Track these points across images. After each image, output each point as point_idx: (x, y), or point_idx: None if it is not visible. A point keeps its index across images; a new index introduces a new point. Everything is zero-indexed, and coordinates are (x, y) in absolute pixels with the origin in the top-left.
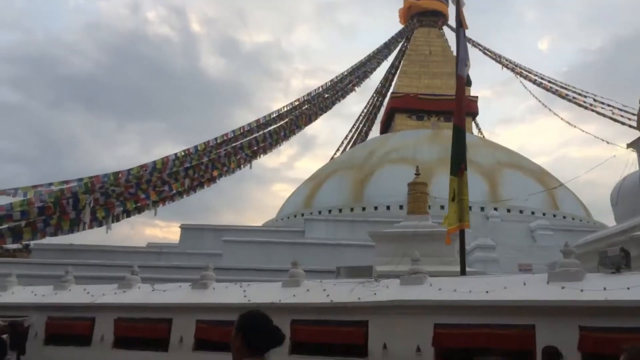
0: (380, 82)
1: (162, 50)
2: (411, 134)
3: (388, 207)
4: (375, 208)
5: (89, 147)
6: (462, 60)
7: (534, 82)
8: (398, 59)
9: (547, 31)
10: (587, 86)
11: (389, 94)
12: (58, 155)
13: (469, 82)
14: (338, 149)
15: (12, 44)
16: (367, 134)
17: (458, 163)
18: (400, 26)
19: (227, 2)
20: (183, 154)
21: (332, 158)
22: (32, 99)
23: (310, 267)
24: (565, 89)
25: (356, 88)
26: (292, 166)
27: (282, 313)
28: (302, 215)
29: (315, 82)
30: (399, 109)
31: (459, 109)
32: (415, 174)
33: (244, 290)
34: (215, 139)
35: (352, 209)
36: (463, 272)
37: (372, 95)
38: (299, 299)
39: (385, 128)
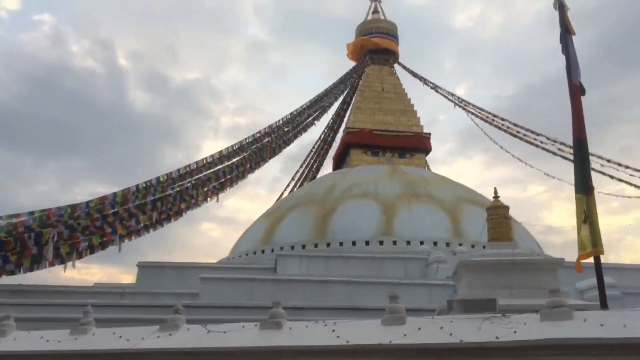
0: (332, 118)
1: (86, 83)
2: (370, 170)
3: (354, 243)
4: (341, 244)
5: (2, 184)
6: (574, 67)
7: (486, 120)
8: (349, 95)
9: (464, 79)
10: (501, 131)
11: (341, 130)
12: None
13: (583, 91)
14: (288, 185)
15: None
16: (318, 170)
17: (585, 180)
18: (335, 64)
19: (156, 37)
20: (144, 185)
21: (281, 195)
22: None
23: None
24: (516, 125)
25: (316, 122)
26: (220, 205)
27: (390, 356)
28: (263, 252)
29: (245, 121)
30: (354, 144)
31: (578, 119)
32: (494, 196)
33: (333, 330)
34: (178, 170)
35: (316, 245)
36: (604, 306)
37: (324, 131)
38: (411, 339)
39: (339, 163)
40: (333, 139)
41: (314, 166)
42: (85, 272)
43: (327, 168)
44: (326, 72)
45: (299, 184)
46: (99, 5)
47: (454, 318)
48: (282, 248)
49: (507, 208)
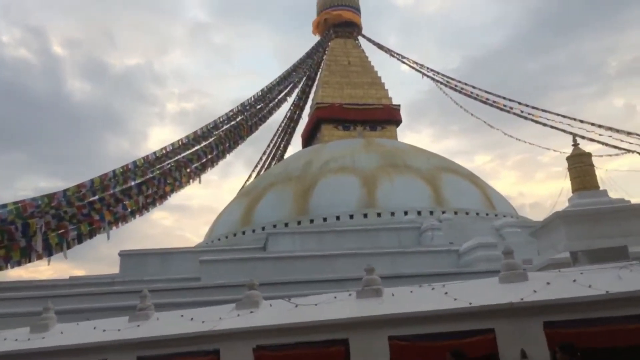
0: (297, 95)
1: (19, 74)
2: (344, 144)
3: (338, 218)
4: (324, 219)
5: None
6: None
7: (455, 89)
8: (313, 70)
9: (408, 54)
10: (448, 103)
11: (307, 106)
12: None
13: None
14: (257, 165)
15: None
16: (285, 148)
17: None
18: (279, 44)
19: (92, 22)
20: (121, 170)
21: (251, 176)
22: None
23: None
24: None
25: (287, 98)
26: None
27: (530, 314)
28: (243, 233)
29: (192, 105)
30: (324, 119)
31: None
32: (574, 144)
33: (446, 293)
34: (154, 153)
35: (299, 222)
36: None
37: (289, 109)
38: (547, 294)
39: (309, 140)
40: (299, 116)
41: (281, 145)
42: (32, 269)
43: (294, 146)
44: (271, 52)
45: (267, 163)
46: None
47: (584, 269)
48: (263, 228)
49: (589, 155)
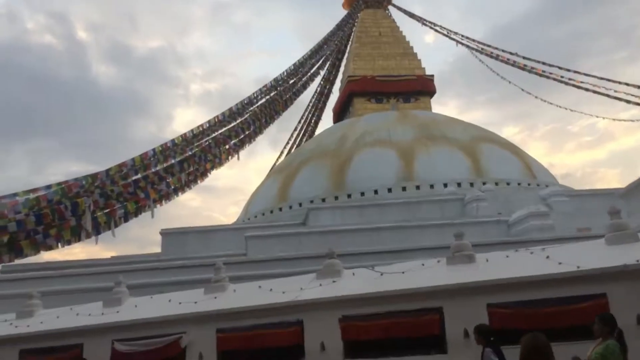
0: (327, 69)
1: (46, 61)
2: (379, 117)
3: (376, 192)
4: (362, 194)
5: None
6: None
7: (491, 56)
8: (343, 43)
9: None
10: (474, 74)
11: (337, 80)
12: None
13: None
14: (288, 142)
15: None
16: (317, 124)
17: None
18: (299, 20)
19: (113, 6)
20: (161, 148)
21: (282, 153)
22: None
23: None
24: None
25: (321, 71)
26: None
27: None
28: (280, 209)
29: (215, 86)
30: (357, 92)
31: None
32: None
33: (547, 257)
34: (192, 130)
35: (336, 197)
36: None
37: (320, 83)
38: None
39: (341, 114)
40: (330, 90)
41: (312, 121)
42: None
43: (325, 121)
44: (291, 29)
45: (298, 140)
46: None
47: None
48: (300, 204)
49: None
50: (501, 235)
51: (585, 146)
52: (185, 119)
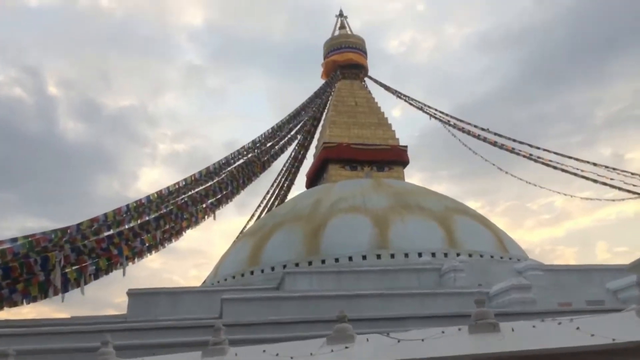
0: (302, 135)
1: (14, 112)
2: (354, 183)
3: (350, 258)
4: (336, 260)
5: None
6: None
7: (463, 130)
8: (319, 111)
9: (398, 101)
10: (438, 149)
11: (312, 146)
12: None
13: None
14: (259, 205)
15: None
16: (289, 188)
17: None
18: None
19: (88, 64)
20: (135, 205)
21: (253, 216)
22: None
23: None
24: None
25: (298, 135)
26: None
27: None
28: (252, 273)
29: (183, 147)
30: (332, 159)
31: None
32: None
33: (577, 328)
34: (168, 188)
35: (310, 262)
36: None
37: (294, 149)
38: None
39: (314, 180)
40: (304, 155)
41: (285, 185)
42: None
43: (298, 186)
44: (265, 95)
45: (270, 203)
46: (26, 32)
47: None
48: (273, 268)
49: None
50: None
51: (544, 224)
52: (150, 178)
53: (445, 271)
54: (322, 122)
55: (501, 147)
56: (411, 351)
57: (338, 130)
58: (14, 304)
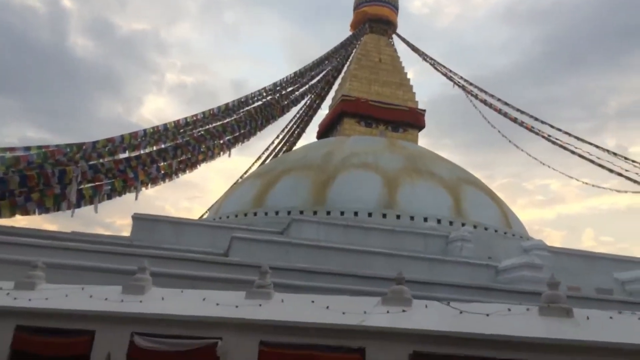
0: (320, 84)
1: (25, 21)
2: (367, 140)
3: (356, 213)
4: (342, 213)
5: None
6: None
7: (485, 103)
8: (342, 62)
9: (412, 63)
10: (444, 117)
11: (328, 97)
12: None
13: None
14: (268, 148)
15: None
16: (299, 136)
17: None
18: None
19: None
20: (152, 130)
21: (260, 158)
22: None
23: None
24: (523, 113)
25: (319, 84)
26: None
27: None
28: (255, 214)
29: (191, 80)
30: (348, 112)
31: None
32: None
33: None
34: (185, 119)
35: (315, 212)
36: None
37: (310, 97)
38: None
39: (326, 131)
40: (319, 105)
41: (295, 132)
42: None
43: (308, 135)
44: (278, 41)
45: (278, 149)
46: None
47: None
48: (277, 212)
49: None
50: (488, 279)
51: (536, 204)
52: (155, 105)
53: (453, 239)
54: (342, 75)
55: (521, 124)
56: (475, 325)
57: (358, 85)
58: (26, 212)
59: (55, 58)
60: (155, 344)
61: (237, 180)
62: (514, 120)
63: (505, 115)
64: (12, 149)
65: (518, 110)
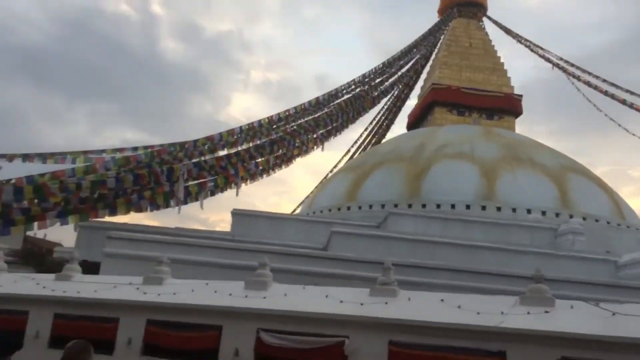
0: (409, 74)
1: (119, 28)
2: (461, 129)
3: (453, 206)
4: (438, 206)
5: (35, 123)
6: None
7: (589, 85)
8: (430, 50)
9: (501, 47)
10: (537, 102)
11: (417, 86)
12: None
13: None
14: (356, 141)
15: None
16: (388, 128)
17: None
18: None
19: None
20: (247, 127)
21: (349, 151)
22: None
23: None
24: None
25: (409, 74)
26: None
27: None
28: (349, 208)
29: (275, 76)
30: (439, 101)
31: None
32: None
33: None
34: (278, 114)
35: (409, 205)
36: None
37: (398, 87)
38: None
39: (417, 122)
40: (407, 95)
41: (384, 124)
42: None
43: (397, 126)
44: (358, 30)
45: (367, 141)
46: None
47: None
48: (370, 206)
49: None
50: (608, 276)
51: None
52: (242, 104)
53: (563, 232)
54: (430, 62)
55: (631, 106)
56: (633, 328)
57: (448, 72)
58: (139, 209)
59: (148, 62)
60: (282, 341)
61: (327, 174)
62: (623, 102)
63: (612, 97)
64: (121, 150)
65: (628, 91)
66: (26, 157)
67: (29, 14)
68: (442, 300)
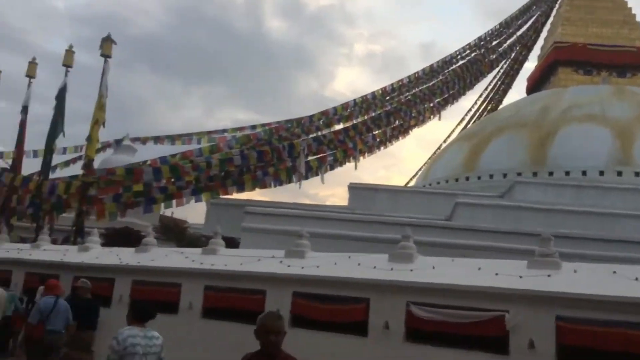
0: (529, 34)
1: (226, 11)
2: (589, 89)
3: (584, 172)
4: (567, 173)
5: (155, 109)
6: None
7: None
8: (551, 6)
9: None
10: None
11: (536, 47)
12: (126, 115)
13: None
14: (470, 109)
15: (79, 3)
16: (505, 92)
17: None
18: None
19: None
20: (361, 100)
21: (463, 119)
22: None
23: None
24: None
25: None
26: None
27: None
28: (467, 178)
29: (379, 48)
30: (563, 61)
31: None
32: None
33: None
34: (392, 85)
35: (534, 173)
36: None
37: (516, 49)
38: None
39: (537, 84)
40: (526, 57)
41: (501, 88)
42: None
43: (515, 90)
44: None
45: (483, 107)
46: None
47: None
48: (491, 176)
49: None
50: None
51: None
52: (347, 78)
53: None
54: (551, 20)
55: None
56: None
57: (572, 29)
58: (264, 185)
59: (254, 43)
60: (432, 315)
61: (440, 145)
62: None
63: None
64: (241, 129)
65: None
66: (157, 140)
67: (144, 5)
68: (614, 272)
